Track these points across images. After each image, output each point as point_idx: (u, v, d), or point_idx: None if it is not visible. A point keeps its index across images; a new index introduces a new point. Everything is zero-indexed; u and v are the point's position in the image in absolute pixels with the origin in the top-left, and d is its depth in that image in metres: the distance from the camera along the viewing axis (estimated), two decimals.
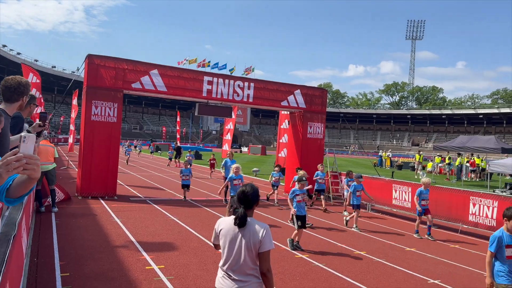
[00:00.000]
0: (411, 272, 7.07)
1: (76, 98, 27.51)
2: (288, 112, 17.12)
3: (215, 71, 18.36)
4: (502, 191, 16.10)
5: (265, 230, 3.11)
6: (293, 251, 7.92)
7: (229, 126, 24.02)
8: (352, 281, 6.38)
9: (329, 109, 27.99)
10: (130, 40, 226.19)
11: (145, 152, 42.18)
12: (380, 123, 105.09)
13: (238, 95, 14.64)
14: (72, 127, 29.60)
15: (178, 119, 35.73)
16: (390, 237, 9.86)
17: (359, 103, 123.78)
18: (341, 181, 15.51)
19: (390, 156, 42.39)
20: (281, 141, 20.70)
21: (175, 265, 6.63)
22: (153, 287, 5.63)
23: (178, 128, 36.33)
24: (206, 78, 14.21)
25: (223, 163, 14.36)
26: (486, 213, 10.11)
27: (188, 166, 13.93)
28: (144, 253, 7.19)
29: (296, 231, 8.20)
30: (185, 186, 13.66)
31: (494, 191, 15.93)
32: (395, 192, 12.82)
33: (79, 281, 5.65)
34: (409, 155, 67.03)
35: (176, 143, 32.87)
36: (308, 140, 16.10)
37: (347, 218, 10.85)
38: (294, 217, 8.30)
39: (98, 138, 12.78)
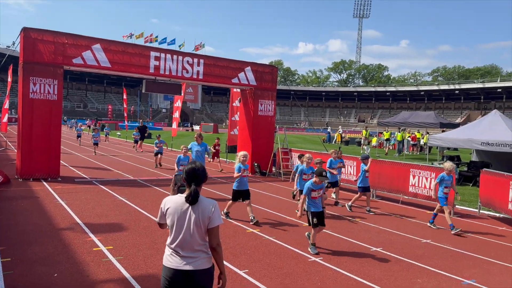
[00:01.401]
0: (355, 241, 7.44)
1: (11, 74, 25.61)
2: (239, 90, 17.06)
3: (163, 46, 17.79)
4: (439, 163, 17.22)
5: (214, 206, 3.13)
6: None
7: (178, 103, 23.56)
8: (300, 252, 6.62)
9: (280, 87, 28.23)
10: (71, 13, 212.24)
11: (108, 135, 40.42)
12: (329, 100, 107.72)
13: (187, 72, 14.33)
14: (6, 105, 27.52)
15: (124, 97, 34.36)
16: (336, 209, 10.28)
17: (309, 80, 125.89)
18: (291, 157, 15.84)
19: (341, 132, 43.81)
20: (233, 119, 20.68)
21: (125, 246, 6.52)
22: (101, 269, 5.52)
23: (125, 106, 34.98)
24: (153, 54, 13.73)
25: (189, 146, 11.49)
26: (425, 184, 10.79)
27: (188, 154, 10.81)
28: (91, 235, 6.99)
29: (312, 231, 6.83)
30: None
31: (432, 164, 17.00)
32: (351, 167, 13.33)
33: (22, 266, 5.41)
34: (355, 130, 69.51)
35: (141, 122, 27.84)
36: (259, 118, 16.19)
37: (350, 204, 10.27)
38: (309, 214, 6.82)
39: (37, 117, 12.05)
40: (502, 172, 10.04)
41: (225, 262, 5.90)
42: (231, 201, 8.68)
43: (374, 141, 34.66)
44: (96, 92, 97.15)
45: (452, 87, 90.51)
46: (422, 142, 31.06)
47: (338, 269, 5.94)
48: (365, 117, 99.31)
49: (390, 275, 5.81)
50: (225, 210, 8.70)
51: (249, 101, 16.25)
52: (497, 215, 10.31)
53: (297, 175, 9.70)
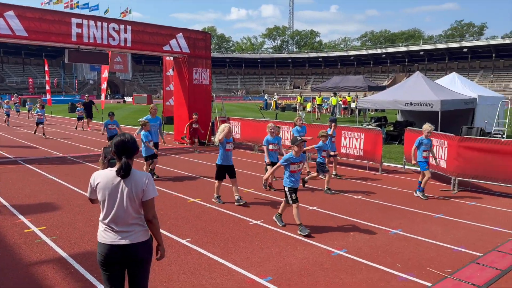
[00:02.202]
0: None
1: None
2: (172, 58, 16.49)
3: (86, 12, 16.52)
4: (368, 125, 18.22)
5: (147, 178, 3.05)
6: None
7: (105, 74, 22.32)
8: (241, 217, 6.78)
9: (214, 54, 27.66)
10: None
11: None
12: (265, 67, 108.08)
13: (114, 40, 13.52)
14: None
15: (46, 69, 31.71)
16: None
17: (244, 47, 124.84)
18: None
19: (276, 99, 44.41)
20: (167, 88, 20.07)
21: (58, 225, 6.23)
22: (35, 250, 5.25)
23: (47, 78, 32.40)
24: (74, 21, 12.72)
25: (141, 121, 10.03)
26: (355, 145, 11.39)
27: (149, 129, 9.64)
28: (20, 217, 6.58)
29: (286, 206, 6.37)
30: (152, 157, 9.60)
31: (361, 125, 17.94)
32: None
33: None
34: (291, 97, 70.87)
35: (87, 97, 23.85)
36: (195, 87, 15.86)
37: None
38: (287, 189, 6.17)
39: None
40: (421, 129, 10.86)
41: (167, 233, 5.89)
42: (217, 182, 7.64)
43: (308, 106, 35.64)
44: (14, 64, 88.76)
45: (379, 51, 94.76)
46: (353, 105, 32.51)
47: (277, 229, 6.18)
48: (299, 83, 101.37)
49: (326, 230, 6.16)
50: (215, 195, 7.74)
51: (183, 69, 15.82)
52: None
53: (264, 146, 8.81)
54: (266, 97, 50.15)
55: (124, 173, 2.94)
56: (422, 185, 8.30)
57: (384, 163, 11.43)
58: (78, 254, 5.16)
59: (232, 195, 7.72)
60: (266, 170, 9.83)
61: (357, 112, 24.66)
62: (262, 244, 5.61)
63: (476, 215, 7.08)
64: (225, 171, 7.61)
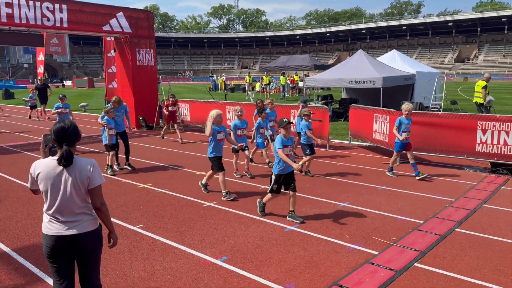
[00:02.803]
0: (244, 182, 7.82)
1: None
2: (113, 38, 15.74)
3: None
4: (315, 103, 18.65)
5: (92, 165, 2.92)
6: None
7: (41, 57, 20.92)
8: (194, 199, 6.74)
9: (158, 34, 26.75)
10: None
11: None
12: (211, 47, 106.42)
13: (48, 20, 12.62)
14: None
15: None
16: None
17: (189, 27, 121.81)
18: (178, 108, 15.53)
19: (224, 79, 44.01)
20: (110, 71, 19.24)
21: None
22: None
23: None
24: (3, 0, 11.71)
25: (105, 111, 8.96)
26: None
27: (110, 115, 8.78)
28: None
29: (269, 195, 6.01)
30: (113, 147, 8.75)
31: (309, 103, 18.33)
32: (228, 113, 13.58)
33: None
34: (240, 77, 70.63)
35: (41, 80, 20.98)
36: (139, 68, 15.30)
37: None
38: (274, 176, 5.83)
39: None
40: (367, 106, 11.30)
41: (117, 221, 5.74)
42: (221, 175, 6.79)
43: (257, 86, 35.73)
44: None
45: (323, 30, 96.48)
46: (300, 84, 33.01)
47: (230, 210, 6.23)
48: (248, 63, 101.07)
49: (278, 207, 6.30)
50: (224, 192, 6.80)
51: (126, 50, 15.16)
52: (364, 144, 11.70)
53: (231, 131, 7.92)
54: (214, 78, 49.63)
55: (65, 162, 2.80)
56: (390, 165, 8.32)
57: (331, 140, 11.79)
58: (22, 248, 4.90)
59: (186, 178, 7.63)
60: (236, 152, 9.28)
61: (304, 91, 25.11)
62: (216, 225, 5.64)
63: (417, 185, 7.55)
64: (221, 161, 6.85)
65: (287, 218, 5.82)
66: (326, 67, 26.55)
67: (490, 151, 8.28)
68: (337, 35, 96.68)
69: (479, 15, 79.35)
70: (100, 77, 72.17)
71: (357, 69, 15.54)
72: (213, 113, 6.84)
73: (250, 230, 5.45)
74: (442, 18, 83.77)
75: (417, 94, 17.11)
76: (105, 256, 4.42)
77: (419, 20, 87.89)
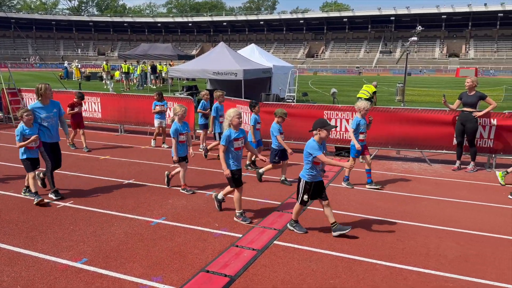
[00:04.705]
0: (105, 178, 7.39)
1: None
2: None
3: None
4: (180, 94, 18.51)
5: None
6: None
7: None
8: (47, 200, 6.12)
9: None
10: None
11: None
12: (61, 31, 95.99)
13: None
14: None
15: None
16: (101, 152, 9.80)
17: (33, 7, 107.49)
18: (22, 98, 13.70)
19: (78, 67, 40.25)
20: None
21: None
22: None
23: None
24: None
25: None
26: (169, 114, 11.44)
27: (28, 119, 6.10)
28: None
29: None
30: (33, 165, 6.19)
31: (174, 94, 18.10)
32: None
33: None
34: (96, 64, 65.49)
35: None
36: None
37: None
38: (304, 183, 5.05)
39: None
40: (230, 97, 11.70)
41: None
42: (237, 193, 5.52)
43: (117, 75, 33.71)
44: None
45: (185, 19, 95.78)
46: (164, 74, 32.27)
47: (90, 208, 5.82)
48: (104, 50, 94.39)
49: (144, 201, 6.13)
50: (237, 212, 5.56)
51: None
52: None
53: (173, 139, 6.59)
54: (66, 65, 45.10)
55: None
56: (346, 174, 7.19)
57: (197, 130, 11.90)
58: None
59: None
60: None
61: (169, 80, 24.67)
62: (74, 226, 5.22)
63: (275, 172, 8.17)
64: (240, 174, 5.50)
65: (333, 234, 4.95)
66: (190, 57, 26.49)
67: (335, 137, 9.44)
68: (199, 25, 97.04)
69: (325, 15, 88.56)
70: None
71: (219, 61, 15.92)
72: (230, 112, 5.37)
73: (113, 228, 5.19)
74: (294, 16, 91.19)
75: (274, 86, 18.38)
76: None
77: (275, 16, 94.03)
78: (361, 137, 6.96)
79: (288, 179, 7.33)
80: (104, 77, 32.69)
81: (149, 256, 4.43)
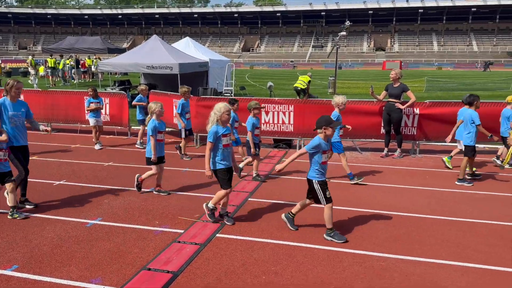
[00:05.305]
0: (35, 180, 6.94)
1: None
2: None
3: None
4: (112, 89, 17.74)
5: None
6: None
7: None
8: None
9: None
10: None
11: None
12: None
13: None
14: None
15: None
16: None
17: None
18: None
19: None
20: None
21: None
22: None
23: None
24: None
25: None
26: (102, 111, 10.95)
27: None
28: None
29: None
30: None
31: (105, 89, 17.31)
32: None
33: None
34: (18, 59, 60.49)
35: None
36: None
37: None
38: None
39: None
40: (167, 92, 11.47)
41: None
42: (223, 192, 5.12)
43: (41, 70, 31.47)
44: None
45: (115, 11, 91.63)
46: (93, 68, 30.71)
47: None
48: (26, 44, 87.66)
49: (77, 202, 5.86)
50: (214, 210, 5.34)
51: None
52: (167, 129, 11.84)
53: (151, 137, 6.21)
54: None
55: None
56: (347, 171, 7.01)
57: (132, 127, 11.53)
58: None
59: None
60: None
61: (99, 75, 23.55)
62: (2, 232, 4.85)
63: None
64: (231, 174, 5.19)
65: (326, 236, 4.78)
66: (121, 51, 25.43)
67: (272, 129, 9.64)
68: (130, 18, 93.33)
69: (258, 9, 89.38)
70: None
71: (153, 54, 15.49)
72: (220, 107, 5.03)
73: (45, 231, 4.91)
74: (228, 9, 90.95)
75: (211, 80, 18.29)
76: None
77: (209, 9, 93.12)
78: (340, 132, 7.04)
79: (260, 175, 7.21)
80: (32, 72, 30.34)
81: (87, 258, 4.26)
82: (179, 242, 4.66)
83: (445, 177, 7.44)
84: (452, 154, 8.09)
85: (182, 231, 4.97)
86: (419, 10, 79.42)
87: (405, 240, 4.80)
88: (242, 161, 7.35)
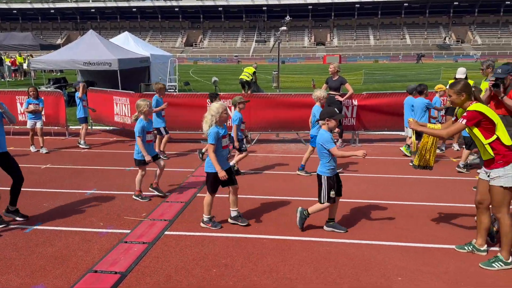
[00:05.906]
0: None
1: None
2: None
3: None
4: (46, 87, 16.76)
5: None
6: None
7: None
8: None
9: None
10: None
11: None
12: None
13: None
14: None
15: None
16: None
17: None
18: None
19: None
20: None
21: None
22: None
23: None
24: None
25: None
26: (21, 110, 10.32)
27: None
28: None
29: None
30: None
31: (39, 88, 16.31)
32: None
33: None
34: None
35: None
36: None
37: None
38: (326, 179, 4.73)
39: None
40: (106, 89, 11.06)
41: None
42: (209, 197, 4.93)
43: None
44: None
45: (46, 6, 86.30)
46: (25, 66, 28.80)
47: None
48: None
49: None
50: (206, 217, 5.00)
51: None
52: (108, 128, 11.44)
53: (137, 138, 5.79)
54: None
55: None
56: (303, 162, 7.19)
57: (70, 127, 11.01)
58: None
59: None
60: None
61: (32, 73, 22.14)
62: None
63: (171, 161, 8.05)
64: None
65: (326, 228, 4.85)
66: (54, 47, 24.04)
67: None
68: (63, 12, 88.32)
69: (200, 3, 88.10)
70: None
71: (90, 50, 14.83)
72: (217, 107, 4.71)
73: None
74: (168, 3, 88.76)
75: (154, 76, 17.85)
76: None
77: (148, 3, 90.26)
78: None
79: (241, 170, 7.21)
80: None
81: (27, 265, 4.04)
82: (126, 242, 4.56)
83: (383, 164, 7.90)
84: (408, 142, 8.44)
85: (128, 231, 4.86)
86: (356, 5, 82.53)
87: (346, 224, 5.04)
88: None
